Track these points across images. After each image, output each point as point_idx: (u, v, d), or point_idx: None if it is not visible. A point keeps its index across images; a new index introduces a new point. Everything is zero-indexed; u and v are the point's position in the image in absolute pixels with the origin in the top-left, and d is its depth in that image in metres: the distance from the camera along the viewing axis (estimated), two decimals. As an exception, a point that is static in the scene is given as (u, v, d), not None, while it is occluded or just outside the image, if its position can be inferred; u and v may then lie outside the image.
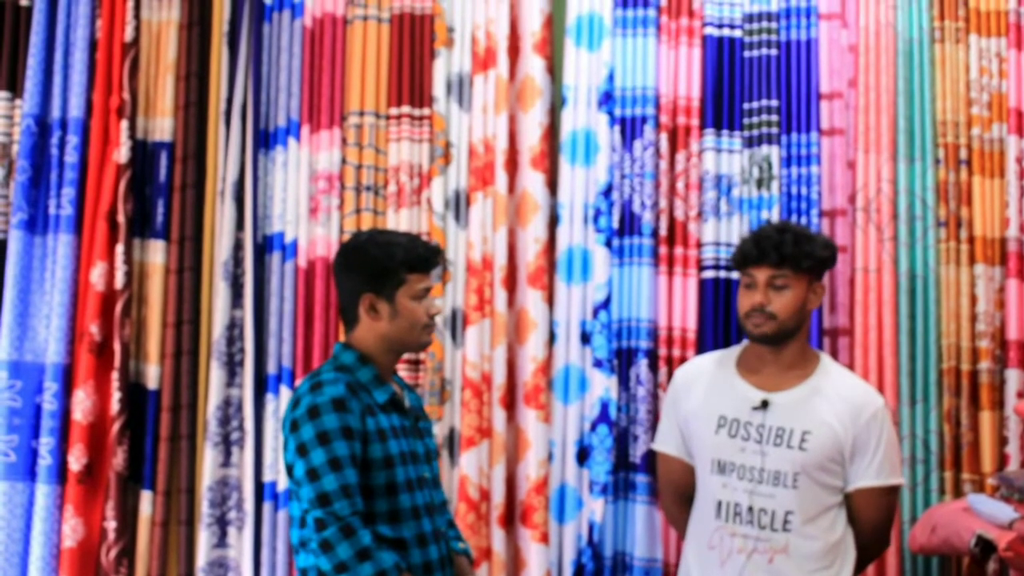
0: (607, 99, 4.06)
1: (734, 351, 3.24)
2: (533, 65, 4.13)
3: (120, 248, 4.14)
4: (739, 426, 3.05)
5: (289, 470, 2.80)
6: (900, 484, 3.10)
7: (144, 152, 4.27)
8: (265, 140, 4.26)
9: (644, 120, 4.06)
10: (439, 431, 3.98)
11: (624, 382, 4.00)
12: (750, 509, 3.01)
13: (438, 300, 3.99)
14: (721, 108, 4.03)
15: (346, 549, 2.66)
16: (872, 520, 3.05)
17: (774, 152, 3.96)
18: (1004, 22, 3.92)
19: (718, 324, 3.94)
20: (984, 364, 3.79)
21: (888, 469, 3.02)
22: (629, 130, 4.08)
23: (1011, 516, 3.17)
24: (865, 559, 3.13)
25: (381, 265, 2.88)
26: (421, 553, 2.82)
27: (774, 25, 4.02)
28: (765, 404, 3.04)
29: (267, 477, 4.07)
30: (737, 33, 4.05)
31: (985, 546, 3.22)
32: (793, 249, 3.03)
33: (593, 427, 3.95)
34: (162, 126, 4.26)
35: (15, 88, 4.30)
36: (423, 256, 2.92)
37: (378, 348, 2.91)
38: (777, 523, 2.98)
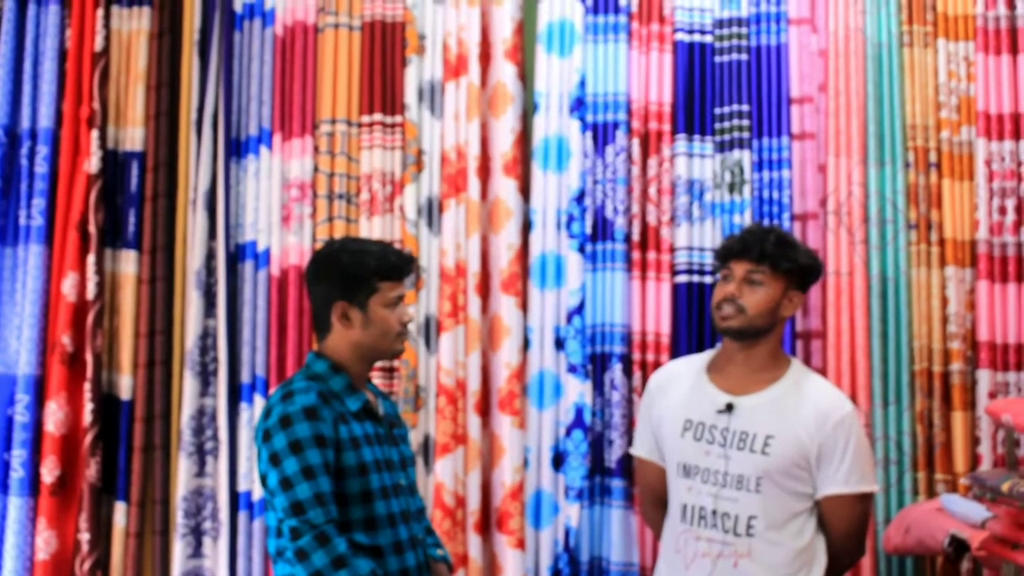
0: (579, 105, 4.07)
1: (708, 355, 3.24)
2: (505, 72, 4.14)
3: (91, 258, 4.12)
4: (704, 429, 3.05)
5: (263, 480, 2.79)
6: (872, 492, 3.08)
7: (115, 162, 4.26)
8: (237, 149, 4.25)
9: (616, 126, 4.07)
10: (414, 438, 3.98)
11: (599, 387, 4.01)
12: (714, 513, 3.00)
13: (411, 307, 3.99)
14: (692, 113, 4.04)
15: (321, 557, 2.65)
16: (843, 528, 3.02)
17: (745, 156, 3.97)
18: (972, 26, 3.95)
19: (692, 328, 3.95)
20: (956, 365, 3.82)
21: (858, 476, 2.99)
22: (601, 136, 4.09)
23: (984, 516, 3.19)
24: (838, 567, 3.08)
25: (353, 273, 2.88)
26: (398, 560, 2.82)
27: (744, 30, 4.04)
28: (730, 407, 3.03)
29: (242, 487, 4.06)
30: (708, 39, 4.07)
31: (959, 546, 3.24)
32: (774, 249, 3.04)
33: (568, 432, 3.95)
34: (133, 136, 4.25)
35: (-16, 99, 4.29)
36: (396, 264, 2.92)
37: (351, 356, 2.90)
38: (740, 527, 2.98)
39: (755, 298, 3.03)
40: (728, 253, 3.09)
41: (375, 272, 2.88)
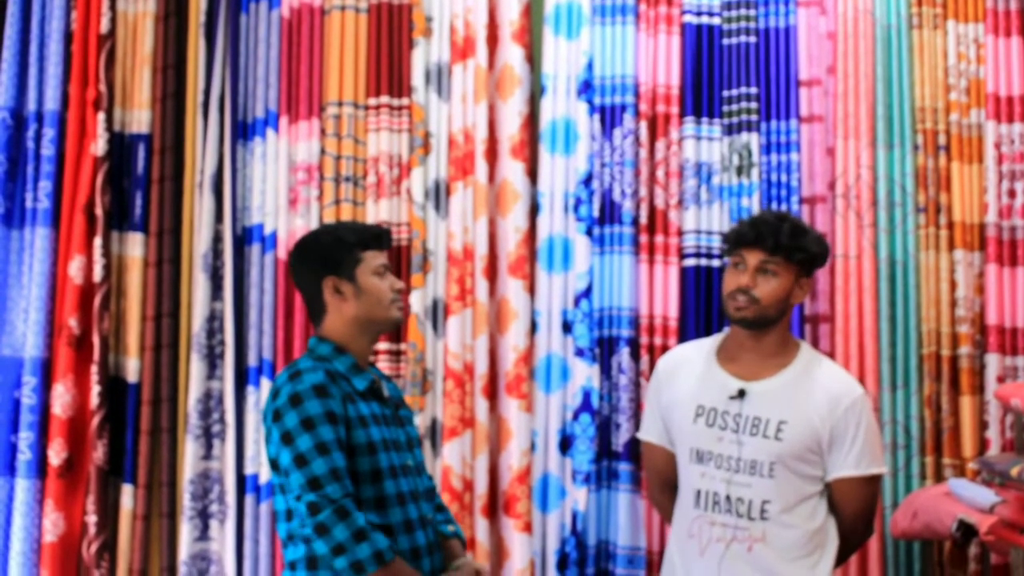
0: (586, 88, 4.06)
1: (715, 339, 3.23)
2: (512, 54, 4.12)
3: (98, 241, 4.11)
4: (716, 415, 3.05)
5: (273, 463, 2.79)
6: (881, 473, 3.09)
7: (121, 144, 4.25)
8: (243, 131, 4.24)
9: (623, 108, 4.06)
10: (421, 422, 3.97)
11: (606, 371, 4.00)
12: (728, 498, 3.00)
13: (417, 290, 3.98)
14: (700, 96, 4.03)
15: (342, 530, 2.66)
16: (853, 509, 3.04)
17: (754, 139, 3.96)
18: (981, 8, 3.95)
19: (699, 312, 3.95)
20: (964, 349, 3.81)
21: (868, 459, 3.00)
22: (609, 118, 4.08)
23: (992, 500, 3.19)
24: (848, 548, 3.12)
25: (335, 247, 2.92)
26: (408, 539, 2.82)
27: (752, 12, 4.03)
28: (742, 393, 3.03)
29: (249, 469, 4.06)
30: (716, 21, 4.06)
31: (966, 530, 3.24)
32: (789, 239, 3.02)
33: (575, 416, 3.95)
34: (139, 118, 4.23)
35: (-10, 81, 4.28)
36: (375, 233, 2.98)
37: (351, 332, 2.91)
38: (754, 512, 2.98)
39: (768, 288, 3.02)
40: (741, 240, 3.06)
41: (356, 243, 2.92)
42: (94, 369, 4.07)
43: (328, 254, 2.91)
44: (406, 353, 4.03)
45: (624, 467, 3.93)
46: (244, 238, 4.19)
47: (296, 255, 3.00)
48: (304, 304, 3.03)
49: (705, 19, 4.05)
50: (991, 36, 3.91)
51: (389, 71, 4.17)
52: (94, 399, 4.06)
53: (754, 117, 3.98)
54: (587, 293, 3.97)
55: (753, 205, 3.92)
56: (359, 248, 2.92)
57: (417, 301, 3.99)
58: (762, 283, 3.02)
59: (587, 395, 3.93)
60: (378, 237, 2.97)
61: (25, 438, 4.07)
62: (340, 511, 2.66)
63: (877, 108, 3.94)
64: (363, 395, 2.86)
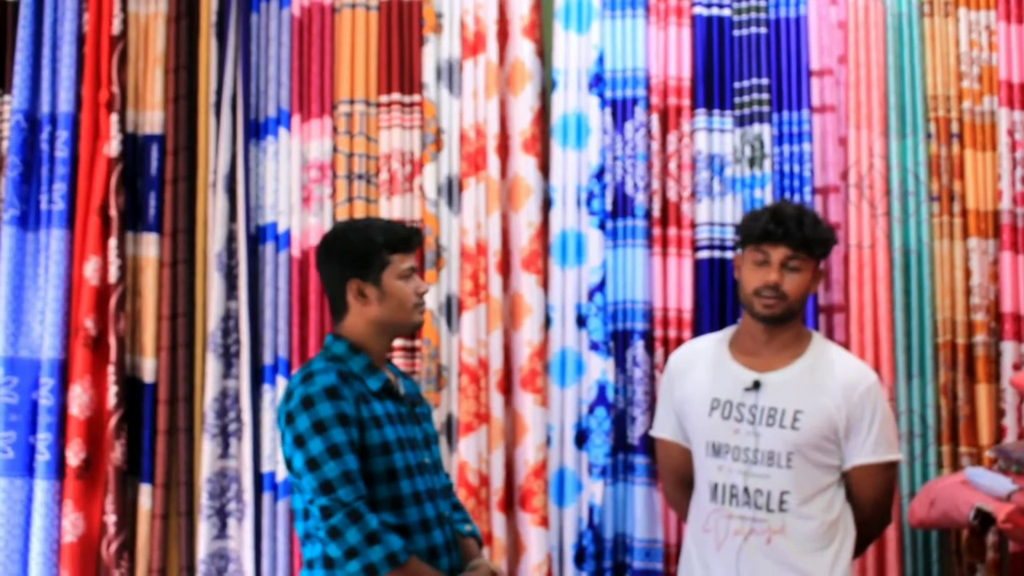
0: (597, 81, 4.06)
1: (727, 333, 3.23)
2: (523, 49, 4.12)
3: (113, 242, 4.13)
4: (732, 408, 3.05)
5: (288, 463, 2.79)
6: (898, 460, 3.10)
7: (135, 145, 4.26)
8: (256, 131, 4.25)
9: (635, 101, 4.05)
10: (437, 418, 3.97)
11: (621, 364, 4.00)
12: (746, 490, 3.00)
13: (432, 286, 3.99)
14: (712, 87, 4.03)
15: (355, 534, 2.66)
16: (871, 497, 3.04)
17: (766, 130, 3.96)
18: (993, -6, 3.93)
19: (714, 304, 3.94)
20: (979, 337, 3.80)
21: (884, 445, 3.01)
22: (620, 112, 4.07)
23: (1009, 488, 3.18)
24: (866, 536, 3.13)
25: (363, 249, 2.88)
26: (425, 538, 2.82)
27: (763, 3, 4.02)
28: (757, 385, 3.03)
29: (266, 467, 4.07)
30: (726, 12, 4.05)
31: (984, 519, 3.23)
32: (812, 232, 3.02)
33: (591, 410, 3.95)
34: (152, 119, 4.25)
35: (3, 84, 4.30)
36: (404, 236, 2.92)
37: (370, 334, 2.90)
38: (773, 503, 2.98)
39: (795, 283, 3.02)
40: (765, 235, 3.03)
41: (384, 245, 2.88)
42: (111, 369, 4.09)
43: (355, 256, 2.89)
44: (421, 349, 4.04)
45: (640, 460, 3.93)
46: (258, 237, 4.20)
47: (323, 252, 2.98)
48: (326, 298, 3.02)
49: (715, 11, 4.04)
50: (1003, 23, 3.89)
51: (400, 68, 4.18)
52: (111, 399, 4.08)
53: (766, 108, 3.97)
54: (601, 287, 3.97)
55: (766, 196, 3.92)
56: (387, 251, 2.89)
57: (431, 297, 3.99)
58: (788, 279, 3.02)
59: (602, 389, 3.93)
60: (407, 240, 2.94)
61: (43, 439, 4.09)
62: (353, 514, 2.67)
63: (889, 97, 3.93)
64: (377, 395, 2.85)
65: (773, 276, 3.01)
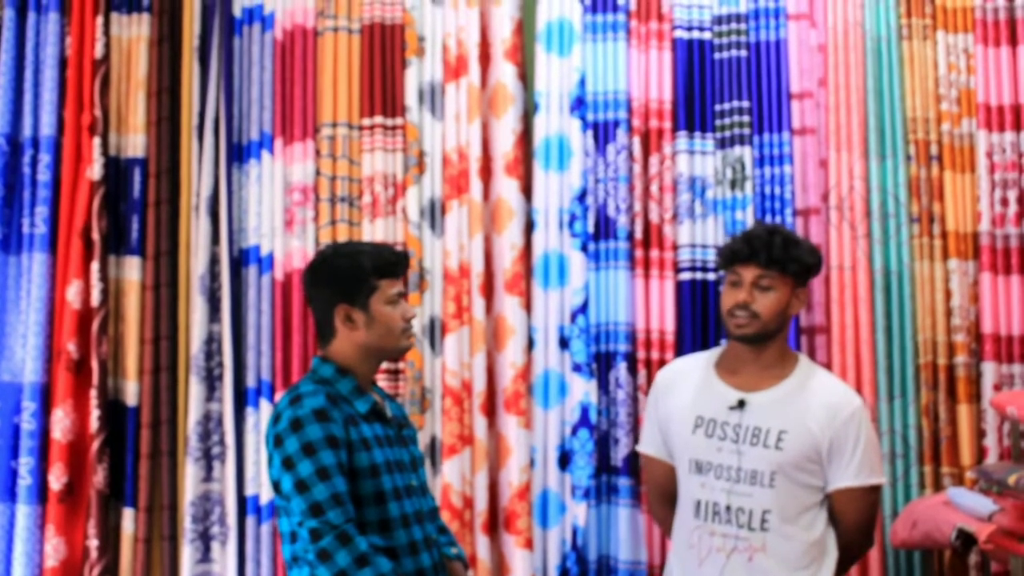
0: (579, 104, 4.07)
1: (714, 353, 3.24)
2: (504, 72, 4.14)
3: (95, 265, 4.12)
4: (716, 426, 3.06)
5: (276, 486, 2.79)
6: (881, 484, 3.10)
7: (117, 169, 4.26)
8: (239, 154, 4.25)
9: (616, 124, 4.07)
10: (421, 440, 3.97)
11: (604, 386, 4.01)
12: (728, 508, 3.01)
13: (415, 308, 3.99)
14: (693, 110, 4.05)
15: (344, 556, 2.66)
16: (854, 520, 3.04)
17: (747, 153, 3.98)
18: (970, 18, 3.96)
19: (696, 326, 3.95)
20: (960, 358, 3.82)
21: (868, 470, 3.01)
22: (602, 134, 4.09)
23: (990, 509, 3.20)
24: (849, 558, 3.13)
25: (351, 274, 2.88)
26: (413, 561, 2.82)
27: (743, 26, 4.04)
28: (742, 404, 3.04)
29: (249, 491, 4.06)
30: (706, 35, 4.07)
31: (966, 539, 3.24)
32: (782, 252, 3.03)
33: (574, 431, 3.95)
34: (135, 142, 4.25)
35: (-15, 108, 4.30)
36: (392, 261, 2.93)
37: (357, 358, 2.90)
38: (755, 522, 2.99)
39: (767, 302, 3.03)
40: (734, 256, 3.06)
41: (372, 271, 2.88)
42: (93, 393, 4.08)
43: (343, 281, 2.89)
44: (404, 372, 4.04)
45: (623, 482, 3.94)
46: (241, 260, 4.20)
47: (310, 276, 2.98)
48: (313, 320, 3.02)
49: (696, 34, 4.07)
50: (980, 46, 3.93)
51: (383, 91, 4.19)
52: (94, 423, 4.07)
53: (747, 130, 3.99)
54: (583, 309, 3.98)
55: (747, 218, 3.93)
56: (375, 276, 2.88)
57: (415, 320, 3.99)
58: (760, 298, 3.03)
59: (585, 410, 3.94)
60: (395, 265, 2.94)
61: (25, 463, 4.08)
62: (342, 536, 2.66)
63: (869, 119, 3.96)
64: (365, 417, 2.85)
65: (742, 296, 3.03)
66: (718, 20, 4.07)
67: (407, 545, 2.82)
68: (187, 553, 4.07)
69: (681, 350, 3.92)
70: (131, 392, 4.14)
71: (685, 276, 3.98)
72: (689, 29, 4.06)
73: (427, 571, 2.85)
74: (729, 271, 3.09)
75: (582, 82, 4.08)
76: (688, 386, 3.17)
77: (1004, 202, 3.87)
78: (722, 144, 4.02)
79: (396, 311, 2.90)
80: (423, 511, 2.93)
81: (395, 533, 2.80)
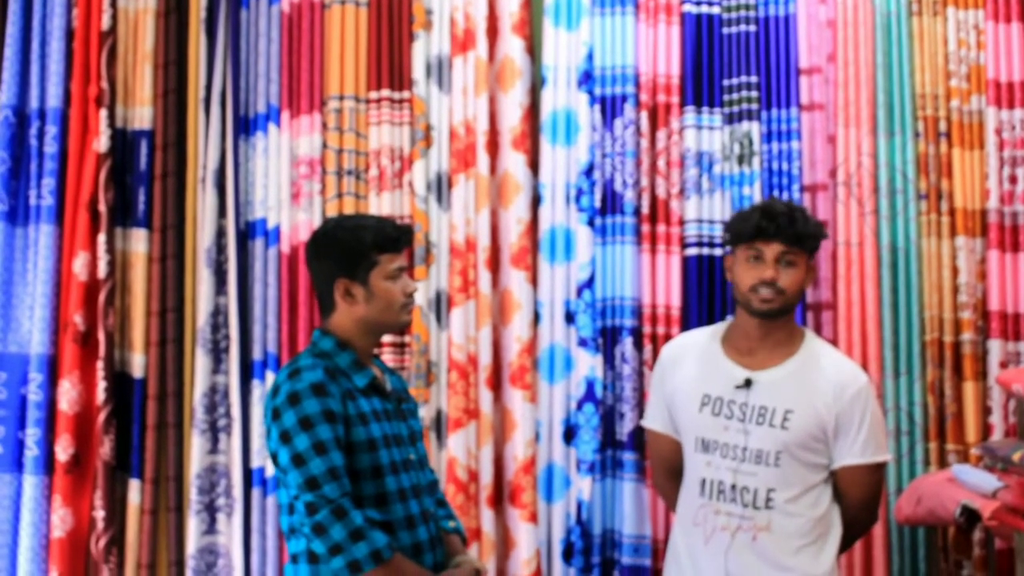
0: (587, 78, 4.06)
1: (720, 328, 3.23)
2: (512, 46, 4.12)
3: (102, 238, 4.12)
4: (723, 404, 3.06)
5: (274, 458, 2.79)
6: (886, 461, 3.10)
7: (124, 141, 4.26)
8: (245, 126, 4.25)
9: (624, 99, 4.06)
10: (426, 414, 3.99)
11: (609, 360, 4.01)
12: (733, 487, 3.01)
13: (421, 283, 3.99)
14: (701, 85, 4.03)
15: (339, 530, 2.66)
16: (858, 497, 3.05)
17: (754, 128, 3.97)
18: (981, -7, 3.94)
19: (702, 301, 3.95)
20: (967, 335, 3.81)
21: (873, 447, 3.02)
22: (609, 109, 4.08)
23: (995, 485, 3.20)
24: (853, 535, 3.14)
25: (352, 249, 2.87)
26: (410, 535, 2.82)
27: (752, 1, 4.03)
28: (748, 383, 3.04)
29: (255, 463, 4.08)
30: (715, 10, 4.06)
31: (970, 516, 3.25)
32: (804, 228, 3.04)
33: (579, 406, 3.96)
34: (141, 114, 4.24)
35: (-8, 79, 4.29)
36: (393, 236, 2.91)
37: (357, 332, 2.90)
38: (759, 501, 2.99)
39: (791, 278, 3.02)
40: (758, 232, 3.03)
41: (373, 245, 2.87)
42: (100, 365, 4.09)
43: (343, 255, 2.88)
44: (410, 345, 4.05)
45: (628, 456, 3.94)
46: (247, 233, 4.20)
47: (311, 249, 2.97)
48: (314, 293, 3.02)
49: (705, 8, 4.05)
50: (991, 22, 3.91)
51: (390, 64, 4.18)
52: (100, 395, 4.08)
53: (755, 106, 3.98)
54: (589, 283, 3.98)
55: (755, 194, 3.93)
56: (376, 251, 2.87)
57: (420, 293, 3.99)
58: (784, 274, 3.02)
59: (591, 385, 3.94)
60: (396, 240, 2.92)
61: (32, 434, 4.09)
62: (337, 511, 2.67)
63: (878, 95, 3.94)
64: (364, 391, 2.85)
65: (770, 272, 3.01)
66: (727, -6, 4.06)
67: (404, 519, 2.82)
68: (193, 524, 4.09)
69: (687, 325, 3.92)
70: (138, 364, 4.15)
71: (691, 251, 3.97)
72: (698, 3, 4.05)
73: (424, 545, 2.85)
74: (747, 247, 3.06)
75: (590, 56, 4.07)
76: (695, 362, 3.16)
77: (1013, 179, 3.86)
78: (730, 119, 4.01)
79: (396, 286, 2.89)
80: (421, 485, 2.93)
81: (392, 507, 2.80)
